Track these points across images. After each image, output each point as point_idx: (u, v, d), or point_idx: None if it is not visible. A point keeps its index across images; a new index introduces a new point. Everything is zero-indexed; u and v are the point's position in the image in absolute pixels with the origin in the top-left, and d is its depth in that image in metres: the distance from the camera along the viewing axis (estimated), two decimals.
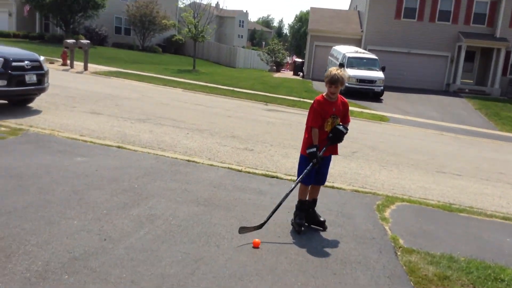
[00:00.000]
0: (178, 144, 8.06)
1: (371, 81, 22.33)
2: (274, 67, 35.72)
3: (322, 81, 19.53)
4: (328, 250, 3.99)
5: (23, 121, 8.20)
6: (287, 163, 7.74)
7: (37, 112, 9.26)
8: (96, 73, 19.63)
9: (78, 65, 20.67)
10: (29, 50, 10.48)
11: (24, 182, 4.80)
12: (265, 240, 4.02)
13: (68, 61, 20.56)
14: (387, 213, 5.43)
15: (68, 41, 20.29)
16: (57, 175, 5.15)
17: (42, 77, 9.03)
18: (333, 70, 4.25)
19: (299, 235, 4.27)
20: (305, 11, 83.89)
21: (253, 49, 55.17)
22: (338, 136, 4.35)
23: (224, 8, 77.07)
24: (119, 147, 7.09)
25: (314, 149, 4.21)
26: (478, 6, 27.70)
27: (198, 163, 6.81)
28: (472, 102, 24.09)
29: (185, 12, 27.51)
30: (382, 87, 22.34)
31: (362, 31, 28.97)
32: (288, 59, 41.65)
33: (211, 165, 6.80)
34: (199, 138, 8.88)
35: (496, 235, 5.23)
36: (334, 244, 4.15)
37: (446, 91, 27.92)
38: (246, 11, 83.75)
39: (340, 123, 4.41)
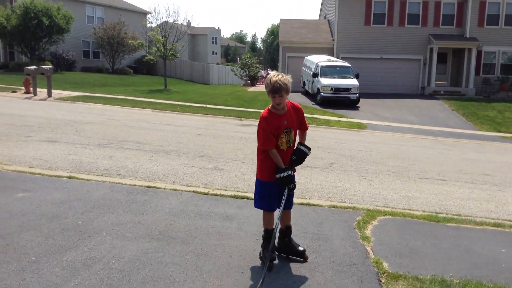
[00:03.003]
0: (140, 169, 7.39)
1: (346, 89, 22.03)
2: (249, 81, 35.28)
3: (297, 92, 19.26)
4: (299, 286, 3.37)
5: None
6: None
7: None
8: (61, 99, 18.82)
9: (42, 92, 19.85)
10: None
11: None
12: (226, 277, 3.39)
13: (31, 89, 19.70)
14: (368, 231, 4.86)
15: (29, 67, 19.47)
16: None
17: None
18: (273, 76, 3.63)
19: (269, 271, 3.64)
20: (276, 24, 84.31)
21: (227, 65, 54.78)
22: (301, 158, 3.80)
23: (196, 26, 76.91)
24: (70, 177, 6.38)
25: (289, 172, 3.62)
26: (445, 7, 27.87)
27: (160, 188, 6.15)
28: (449, 103, 24.00)
29: (152, 31, 26.90)
30: (357, 94, 22.05)
31: (333, 40, 28.82)
32: (263, 73, 41.32)
33: (175, 189, 6.15)
34: (165, 160, 8.23)
35: (490, 246, 4.71)
36: (308, 276, 3.54)
37: (421, 94, 27.87)
38: (218, 27, 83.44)
39: (301, 143, 3.83)
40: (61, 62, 34.47)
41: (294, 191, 3.84)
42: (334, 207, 5.87)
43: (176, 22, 27.15)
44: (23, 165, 7.04)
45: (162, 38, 26.09)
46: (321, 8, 38.70)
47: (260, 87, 33.54)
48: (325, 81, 22.04)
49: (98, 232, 4.18)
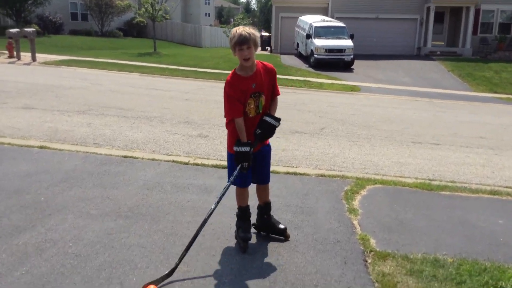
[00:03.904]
0: (118, 137, 6.99)
1: (340, 50, 21.38)
2: None
3: (290, 54, 18.58)
4: (275, 270, 3.03)
5: None
6: None
7: None
8: (46, 63, 18.13)
9: (26, 56, 19.08)
10: None
11: None
12: (195, 261, 3.07)
13: (15, 53, 18.93)
14: (356, 202, 4.54)
15: (11, 30, 18.62)
16: None
17: None
18: (238, 28, 3.14)
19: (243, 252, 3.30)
20: None
21: (220, 27, 53.30)
22: (268, 131, 3.33)
23: None
24: (41, 147, 5.99)
25: (247, 148, 3.15)
26: None
27: (137, 158, 5.78)
28: (445, 64, 23.43)
29: None
30: (352, 56, 21.42)
31: None
32: None
33: (153, 159, 5.78)
34: (146, 127, 7.82)
35: (486, 216, 4.41)
36: (286, 259, 3.21)
37: (417, 55, 27.21)
38: None
39: (267, 114, 3.35)
40: (48, 25, 33.31)
41: (273, 160, 3.47)
42: (322, 175, 5.54)
43: None
44: None
45: None
46: None
47: None
48: (318, 42, 21.36)
49: (60, 210, 3.82)
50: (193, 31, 41.92)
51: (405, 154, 7.19)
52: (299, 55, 24.74)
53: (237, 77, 3.20)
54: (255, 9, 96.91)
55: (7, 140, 6.27)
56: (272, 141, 7.47)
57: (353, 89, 16.37)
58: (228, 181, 3.30)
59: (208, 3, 77.28)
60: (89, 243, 3.22)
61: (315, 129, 8.68)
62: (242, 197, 3.43)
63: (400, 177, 5.80)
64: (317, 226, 3.82)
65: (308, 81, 17.30)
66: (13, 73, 14.54)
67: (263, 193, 3.55)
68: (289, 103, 11.80)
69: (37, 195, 4.15)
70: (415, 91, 16.91)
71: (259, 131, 3.28)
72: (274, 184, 5.00)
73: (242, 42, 3.05)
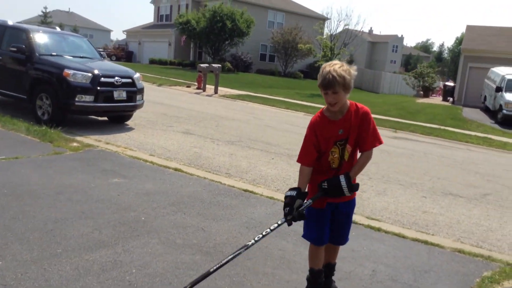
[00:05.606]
0: (251, 170, 6.98)
1: None
2: (421, 92, 32.46)
3: (476, 107, 16.61)
4: None
5: (105, 137, 8.05)
6: (377, 202, 6.04)
7: (128, 129, 9.16)
8: (225, 96, 19.87)
9: (211, 88, 21.25)
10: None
11: (17, 203, 4.21)
12: None
13: (202, 85, 21.30)
14: None
15: (202, 65, 21.06)
16: (64, 198, 4.49)
17: (133, 94, 8.89)
18: (328, 65, 2.60)
19: None
20: None
21: (401, 74, 51.60)
22: (333, 192, 2.69)
23: (378, 33, 74.47)
24: (176, 169, 6.31)
25: (292, 193, 2.66)
26: None
27: (255, 194, 5.62)
28: None
29: (320, 35, 26.65)
30: None
31: None
32: (440, 84, 37.64)
33: (271, 197, 5.55)
34: (283, 164, 7.68)
35: None
36: None
37: None
38: (401, 35, 79.20)
39: (347, 174, 2.70)
40: (239, 63, 36.95)
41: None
42: (460, 251, 4.51)
43: (346, 26, 26.38)
44: (144, 152, 7.28)
45: (331, 43, 25.61)
46: None
47: (433, 99, 30.52)
48: (510, 96, 18.67)
49: (150, 232, 3.83)
50: (372, 76, 41.40)
51: None
52: (485, 109, 22.06)
53: (323, 120, 2.76)
54: (447, 58, 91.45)
55: (151, 159, 6.81)
56: (416, 200, 6.55)
57: None
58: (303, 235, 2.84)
59: (396, 51, 75.93)
60: (152, 273, 3.09)
61: (476, 194, 7.33)
62: (315, 258, 2.91)
63: None
64: None
65: (489, 138, 15.08)
66: (193, 102, 16.24)
67: (331, 253, 2.97)
68: (456, 159, 10.38)
69: (140, 214, 4.27)
70: None
71: (325, 185, 2.69)
72: (391, 250, 4.28)
73: (326, 86, 2.58)
